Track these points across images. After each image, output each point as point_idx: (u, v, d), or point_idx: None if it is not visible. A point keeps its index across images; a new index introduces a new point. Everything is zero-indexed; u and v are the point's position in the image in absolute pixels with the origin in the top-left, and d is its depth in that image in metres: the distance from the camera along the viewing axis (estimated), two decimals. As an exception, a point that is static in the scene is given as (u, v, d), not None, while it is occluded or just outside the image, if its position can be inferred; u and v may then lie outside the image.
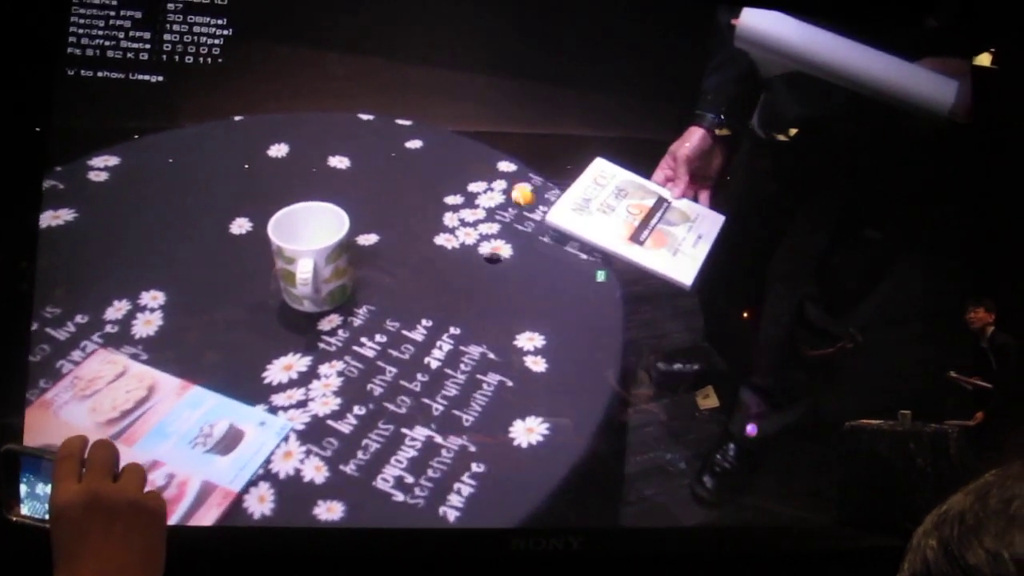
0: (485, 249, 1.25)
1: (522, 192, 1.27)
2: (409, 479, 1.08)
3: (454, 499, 1.07)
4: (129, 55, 1.17)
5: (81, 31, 1.16)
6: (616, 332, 1.23)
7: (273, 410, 1.11)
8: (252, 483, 1.06)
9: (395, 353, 1.16)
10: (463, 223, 1.27)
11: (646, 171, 1.35)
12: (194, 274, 1.18)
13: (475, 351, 1.17)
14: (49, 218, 1.14)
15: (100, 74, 1.16)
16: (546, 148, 1.33)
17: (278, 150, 1.27)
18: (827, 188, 1.34)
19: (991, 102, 1.31)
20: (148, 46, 1.18)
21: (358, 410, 1.12)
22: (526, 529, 1.11)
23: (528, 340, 1.19)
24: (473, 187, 1.30)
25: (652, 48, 1.32)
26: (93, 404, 1.08)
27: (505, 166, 1.32)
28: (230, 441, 1.08)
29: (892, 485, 1.27)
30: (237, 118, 1.24)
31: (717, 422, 1.28)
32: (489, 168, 1.31)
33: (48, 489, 0.72)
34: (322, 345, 1.16)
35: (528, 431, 1.13)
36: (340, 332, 1.17)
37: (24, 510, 0.86)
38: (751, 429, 1.27)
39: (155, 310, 1.14)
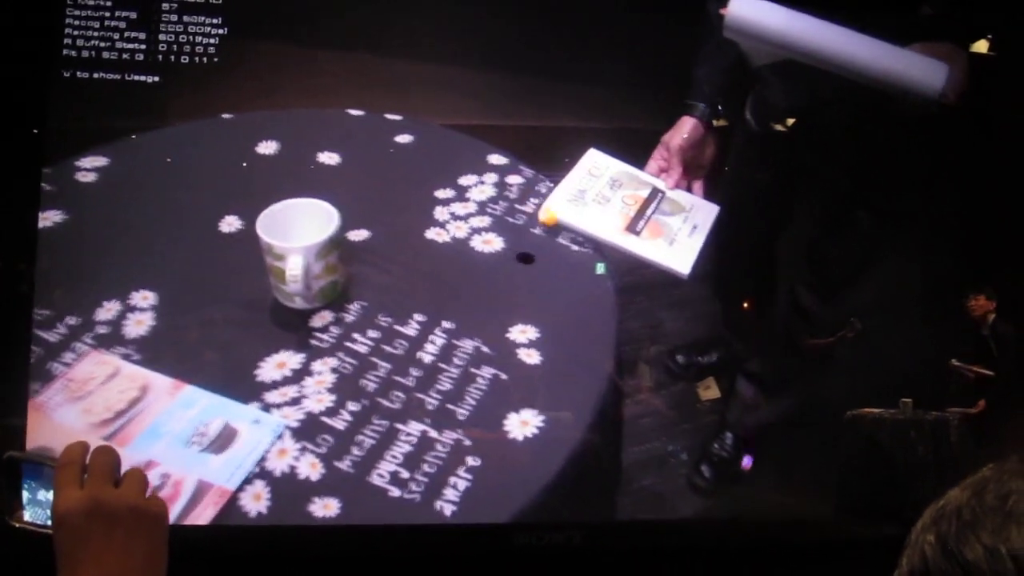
0: (477, 243, 1.25)
1: (548, 214, 1.27)
2: (404, 474, 1.07)
3: (449, 493, 1.07)
4: (115, 55, 1.17)
5: (76, 32, 1.16)
6: (610, 322, 1.23)
7: (267, 408, 1.10)
8: (247, 481, 1.05)
9: (388, 348, 1.16)
10: (454, 217, 1.27)
11: (638, 161, 1.35)
12: (185, 273, 1.18)
13: (468, 345, 1.17)
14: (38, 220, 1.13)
15: (85, 74, 1.16)
16: (537, 140, 1.33)
17: (267, 147, 1.27)
18: (820, 174, 1.34)
19: (987, 87, 1.31)
20: (136, 46, 1.17)
21: (352, 406, 1.11)
22: (527, 524, 1.10)
23: (521, 333, 1.18)
24: (464, 180, 1.30)
25: (641, 38, 1.32)
26: (86, 405, 1.08)
27: (496, 159, 1.31)
28: (224, 440, 1.08)
29: (893, 474, 1.26)
30: (226, 116, 1.24)
31: (717, 412, 1.28)
32: (480, 161, 1.30)
33: (50, 495, 0.72)
34: (315, 342, 1.15)
35: (523, 424, 1.12)
36: (332, 328, 1.17)
37: (26, 516, 0.86)
38: (747, 462, 1.26)
39: (146, 310, 1.14)
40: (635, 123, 1.36)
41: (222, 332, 1.15)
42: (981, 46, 1.32)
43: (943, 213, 1.35)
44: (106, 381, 1.09)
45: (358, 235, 1.24)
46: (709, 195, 1.36)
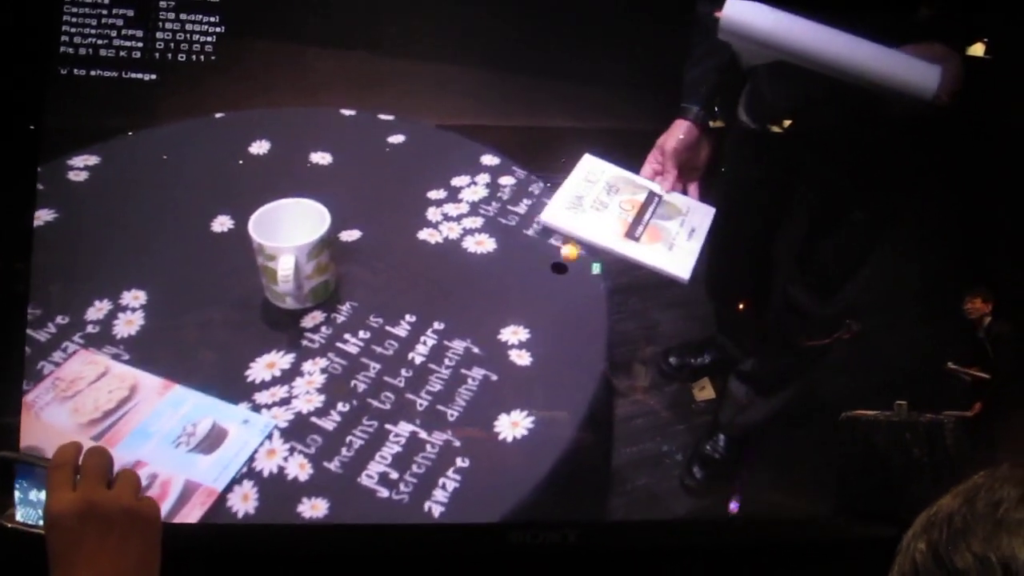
0: (469, 244, 1.24)
1: (572, 251, 1.26)
2: (393, 475, 1.07)
3: (439, 494, 1.06)
4: (111, 52, 1.17)
5: (73, 29, 1.16)
6: (601, 324, 1.22)
7: (256, 408, 1.10)
8: (236, 481, 1.05)
9: (379, 349, 1.15)
10: (446, 217, 1.26)
11: (632, 163, 1.34)
12: (176, 273, 1.18)
13: (459, 346, 1.17)
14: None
15: (81, 71, 1.16)
16: (529, 141, 1.33)
17: (260, 147, 1.26)
18: (816, 174, 1.33)
19: (982, 88, 1.30)
20: (133, 44, 1.17)
21: (342, 407, 1.11)
22: (520, 523, 1.09)
23: (512, 334, 1.18)
24: (456, 181, 1.29)
25: (635, 38, 1.31)
26: (75, 405, 1.07)
27: (488, 159, 1.31)
28: (213, 440, 1.08)
29: (888, 476, 1.26)
30: (218, 115, 1.24)
31: (711, 413, 1.27)
32: (472, 162, 1.30)
33: (42, 496, 0.72)
34: (305, 342, 1.15)
35: (513, 425, 1.12)
36: (323, 329, 1.17)
37: (19, 516, 0.86)
38: (734, 507, 1.25)
39: (136, 310, 1.14)
40: (629, 124, 1.35)
41: (213, 332, 1.15)
42: (976, 48, 1.31)
43: (939, 214, 1.35)
44: (95, 381, 1.09)
45: (350, 235, 1.23)
46: (704, 197, 1.36)
